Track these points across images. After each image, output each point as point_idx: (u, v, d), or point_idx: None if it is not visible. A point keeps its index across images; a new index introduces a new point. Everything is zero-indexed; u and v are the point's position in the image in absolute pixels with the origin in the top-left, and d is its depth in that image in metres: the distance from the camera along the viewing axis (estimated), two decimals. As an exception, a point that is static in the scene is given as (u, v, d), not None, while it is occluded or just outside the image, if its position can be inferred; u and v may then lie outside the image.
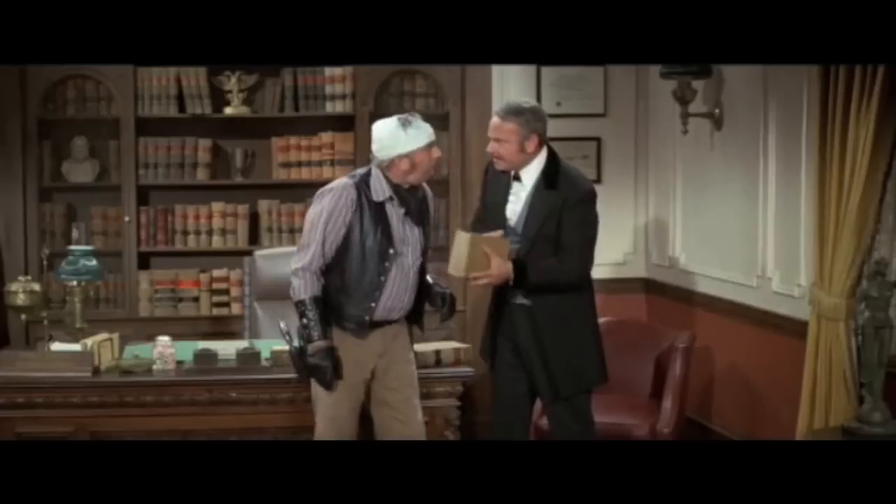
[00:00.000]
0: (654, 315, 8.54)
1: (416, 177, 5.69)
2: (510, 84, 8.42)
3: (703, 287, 7.86)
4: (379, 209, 5.66)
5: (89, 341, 6.29)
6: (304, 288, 5.64)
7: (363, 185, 5.67)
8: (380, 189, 5.67)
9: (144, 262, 8.37)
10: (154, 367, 6.26)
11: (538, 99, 8.47)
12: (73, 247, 6.79)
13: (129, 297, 8.23)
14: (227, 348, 6.44)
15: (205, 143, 8.33)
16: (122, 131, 8.17)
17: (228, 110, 8.29)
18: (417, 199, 5.77)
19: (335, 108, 8.23)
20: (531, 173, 5.84)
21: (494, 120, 5.85)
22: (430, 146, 5.67)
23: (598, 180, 8.58)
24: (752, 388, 7.28)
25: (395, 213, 5.69)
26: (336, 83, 8.26)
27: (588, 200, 5.91)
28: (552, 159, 5.89)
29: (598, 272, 8.21)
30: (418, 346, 6.23)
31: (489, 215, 5.99)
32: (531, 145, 5.80)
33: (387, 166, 5.66)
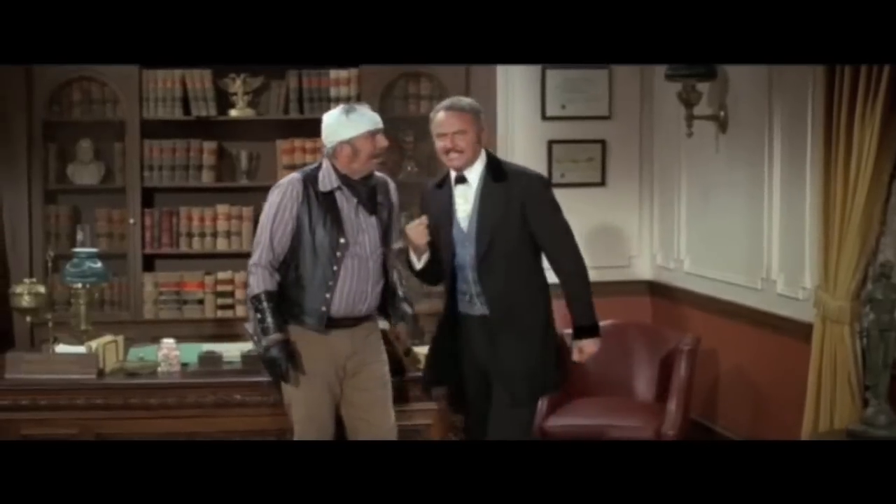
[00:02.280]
0: (659, 317, 8.53)
1: (359, 164, 5.70)
2: (514, 86, 8.43)
3: (708, 289, 7.86)
4: (328, 200, 5.68)
5: (94, 343, 6.30)
6: (257, 283, 5.68)
7: (311, 177, 5.71)
8: (327, 179, 5.70)
9: (149, 264, 8.38)
10: (159, 369, 6.27)
11: (543, 102, 8.48)
12: (78, 249, 6.78)
13: (134, 299, 8.24)
14: (231, 351, 6.44)
15: (210, 146, 8.34)
16: (127, 133, 8.18)
17: (233, 112, 8.30)
18: (368, 189, 5.76)
19: (340, 110, 8.24)
20: (476, 171, 5.74)
21: (446, 114, 5.72)
22: (372, 133, 5.68)
23: (603, 183, 8.60)
24: (757, 391, 7.28)
25: (345, 203, 5.71)
26: (341, 86, 8.27)
27: (547, 186, 5.85)
28: (491, 155, 5.85)
29: (603, 274, 8.26)
30: (420, 349, 6.22)
31: (439, 236, 5.80)
32: (484, 137, 5.78)
33: (333, 154, 5.69)
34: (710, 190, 7.80)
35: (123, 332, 6.78)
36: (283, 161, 8.30)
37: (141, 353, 6.51)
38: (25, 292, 6.60)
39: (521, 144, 8.45)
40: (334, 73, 8.26)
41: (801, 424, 6.25)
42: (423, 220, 5.75)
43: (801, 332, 6.53)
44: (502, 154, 8.07)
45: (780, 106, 6.87)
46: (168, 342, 6.35)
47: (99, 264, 6.72)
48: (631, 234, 8.73)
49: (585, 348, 5.76)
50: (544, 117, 8.52)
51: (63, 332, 6.60)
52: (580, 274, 5.71)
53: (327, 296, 5.65)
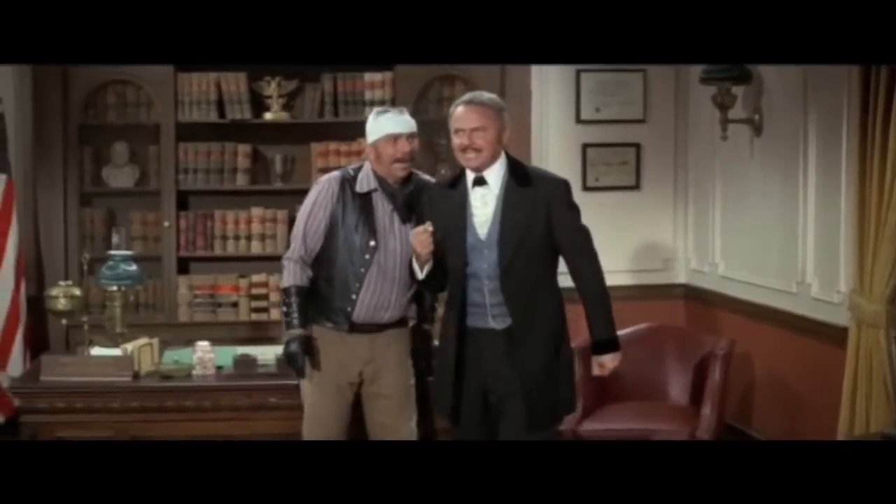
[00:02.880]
0: (694, 321, 8.51)
1: (384, 168, 5.70)
2: (549, 89, 8.41)
3: (743, 293, 7.83)
4: (365, 201, 5.70)
5: (129, 346, 6.32)
6: (287, 277, 5.74)
7: (351, 178, 5.74)
8: (365, 181, 5.72)
9: (184, 267, 8.39)
10: (193, 372, 6.29)
11: (577, 105, 8.46)
12: (113, 252, 6.82)
13: (169, 302, 8.26)
14: (266, 353, 6.46)
15: (244, 149, 8.35)
16: (162, 136, 8.21)
17: (268, 116, 8.32)
18: (405, 194, 5.73)
19: (374, 113, 8.23)
20: (496, 173, 5.33)
21: (466, 109, 5.37)
22: (394, 137, 5.66)
23: (638, 186, 8.58)
24: (792, 395, 7.25)
25: (381, 205, 5.72)
26: (375, 89, 8.28)
27: (569, 189, 5.38)
28: (512, 157, 5.42)
29: (637, 278, 8.26)
30: None
31: (448, 242, 5.37)
32: (506, 137, 5.37)
33: (368, 156, 5.75)
34: (745, 193, 7.77)
35: (158, 334, 6.80)
36: (318, 164, 8.30)
37: (176, 356, 6.53)
38: (61, 295, 6.64)
39: (556, 148, 8.43)
40: (369, 76, 8.26)
41: (836, 428, 6.22)
42: (428, 227, 5.31)
43: (836, 335, 6.51)
44: (536, 157, 8.09)
45: (815, 109, 6.84)
46: (203, 345, 6.37)
47: (134, 267, 6.75)
48: (665, 237, 8.70)
49: (606, 363, 5.40)
50: (578, 120, 8.50)
51: (98, 334, 6.64)
52: (598, 276, 5.36)
53: (353, 297, 5.68)
